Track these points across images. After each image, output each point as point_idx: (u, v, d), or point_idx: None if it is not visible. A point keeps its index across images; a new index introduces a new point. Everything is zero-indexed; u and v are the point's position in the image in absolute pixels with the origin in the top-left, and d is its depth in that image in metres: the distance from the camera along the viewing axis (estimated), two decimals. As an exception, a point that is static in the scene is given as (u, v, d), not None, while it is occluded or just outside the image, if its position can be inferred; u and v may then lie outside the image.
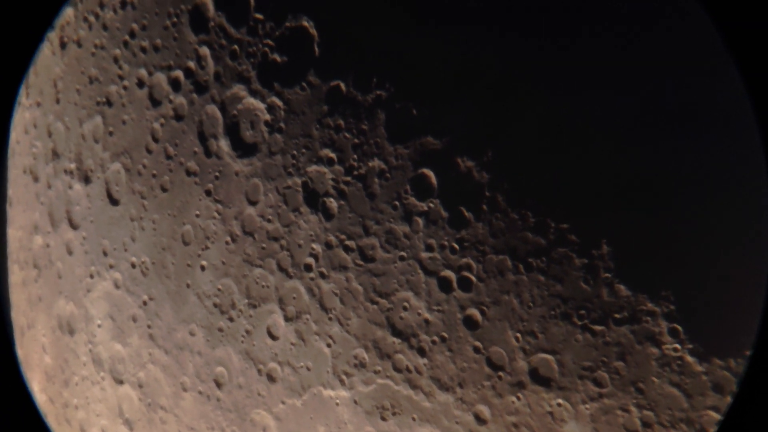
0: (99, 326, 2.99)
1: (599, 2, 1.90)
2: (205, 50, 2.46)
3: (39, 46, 3.01)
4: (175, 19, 2.52)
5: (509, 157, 2.01)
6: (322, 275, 2.31)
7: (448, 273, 2.11)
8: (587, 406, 2.01)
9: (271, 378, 2.48)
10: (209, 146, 2.50)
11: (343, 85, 2.19)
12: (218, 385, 2.62)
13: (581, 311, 1.98)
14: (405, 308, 2.18)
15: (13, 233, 3.46)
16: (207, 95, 2.48)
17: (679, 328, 1.91)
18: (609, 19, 1.90)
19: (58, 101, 3.00)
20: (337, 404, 2.35)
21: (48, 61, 3.03)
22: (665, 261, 1.91)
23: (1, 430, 2.85)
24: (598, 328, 1.97)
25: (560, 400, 2.04)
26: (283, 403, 2.47)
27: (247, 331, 2.50)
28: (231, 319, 2.54)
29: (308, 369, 2.39)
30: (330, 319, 2.31)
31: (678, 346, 1.91)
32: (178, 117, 2.56)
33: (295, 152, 2.30)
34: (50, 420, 3.30)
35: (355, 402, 2.31)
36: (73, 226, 3.02)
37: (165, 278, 2.70)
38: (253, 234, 2.43)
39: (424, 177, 2.12)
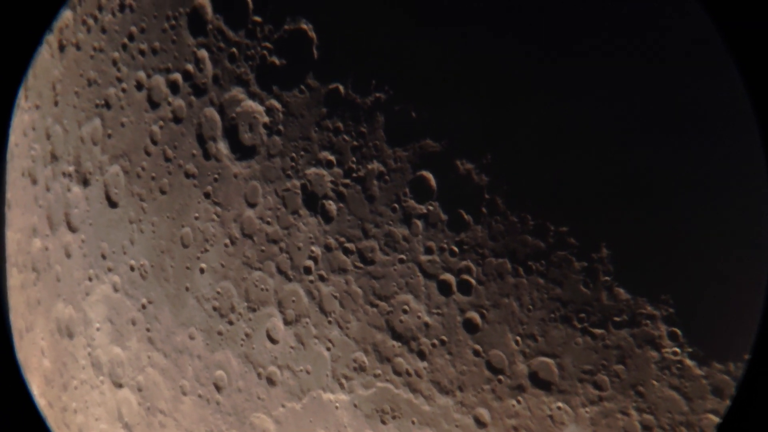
0: (98, 329, 2.99)
1: (599, 3, 1.90)
2: (203, 53, 2.45)
3: (37, 49, 3.01)
4: (173, 22, 2.52)
5: (508, 159, 2.01)
6: (322, 278, 2.31)
7: (448, 276, 2.11)
8: (587, 409, 2.00)
9: (270, 381, 2.47)
10: (208, 149, 2.50)
11: (342, 88, 2.19)
12: (218, 388, 2.62)
13: (581, 314, 1.98)
14: (405, 311, 2.18)
15: (11, 236, 3.45)
16: (206, 98, 2.48)
17: (679, 331, 1.91)
18: (609, 19, 1.89)
19: (56, 104, 3.00)
20: (337, 408, 2.34)
21: (47, 64, 3.03)
22: (664, 264, 1.91)
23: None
24: (597, 331, 1.97)
25: (560, 404, 2.04)
26: (282, 406, 2.46)
27: (247, 335, 2.50)
28: (230, 323, 2.53)
29: (308, 372, 2.38)
30: (329, 322, 2.31)
31: (678, 349, 1.91)
32: (177, 119, 2.56)
33: (294, 155, 2.30)
34: (49, 424, 3.30)
35: (355, 405, 2.31)
36: (72, 229, 3.01)
37: (164, 281, 2.70)
38: (252, 236, 2.43)
39: (423, 179, 2.11)
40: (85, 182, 2.92)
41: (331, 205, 2.26)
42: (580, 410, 2.01)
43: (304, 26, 2.23)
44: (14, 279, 3.47)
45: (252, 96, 2.36)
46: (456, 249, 2.09)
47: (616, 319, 1.95)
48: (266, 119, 2.34)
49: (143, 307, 2.79)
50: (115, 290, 2.87)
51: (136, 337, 2.83)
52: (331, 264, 2.29)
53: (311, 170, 2.27)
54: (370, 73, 2.14)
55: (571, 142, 1.95)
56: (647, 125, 1.89)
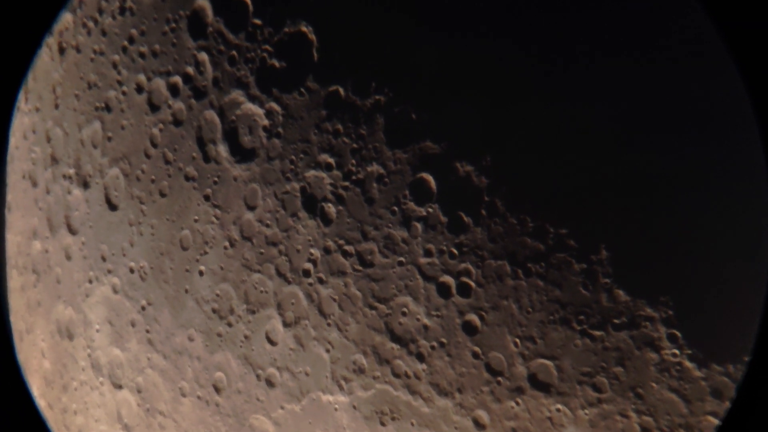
0: (98, 331, 2.99)
1: (598, 3, 1.90)
2: (203, 56, 2.46)
3: (37, 51, 3.01)
4: (173, 25, 2.52)
5: (508, 161, 2.01)
6: (321, 280, 2.31)
7: (447, 278, 2.11)
8: (586, 411, 2.00)
9: (269, 383, 2.47)
10: (208, 151, 2.50)
11: (341, 90, 2.19)
12: (217, 390, 2.62)
13: (580, 316, 1.98)
14: (404, 313, 2.18)
15: (11, 238, 3.45)
16: (205, 100, 2.48)
17: (678, 333, 1.91)
18: (608, 20, 1.90)
19: (57, 107, 3.00)
20: (336, 409, 2.34)
21: (47, 67, 3.04)
22: (664, 266, 1.91)
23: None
24: (597, 333, 1.97)
25: (559, 406, 2.04)
26: (282, 408, 2.46)
27: (246, 337, 2.50)
28: (230, 324, 2.54)
29: (307, 374, 2.38)
30: (329, 324, 2.31)
31: (677, 351, 1.91)
32: (177, 122, 2.56)
33: (293, 157, 2.30)
34: (50, 426, 3.30)
35: (354, 407, 2.31)
36: (72, 232, 3.02)
37: (163, 283, 2.70)
38: (252, 239, 2.43)
39: (422, 182, 2.11)
40: (85, 185, 2.92)
41: (331, 208, 2.26)
42: (579, 412, 2.01)
43: (304, 29, 2.24)
44: (14, 281, 3.47)
45: (252, 98, 2.37)
46: (455, 251, 2.09)
47: (616, 321, 1.95)
48: (266, 122, 2.35)
49: (143, 308, 2.79)
50: (115, 292, 2.88)
51: (136, 339, 2.83)
52: (330, 266, 2.29)
53: (311, 173, 2.28)
54: (370, 75, 2.14)
55: (570, 143, 1.95)
56: (647, 126, 1.89)
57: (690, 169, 1.87)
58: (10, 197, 3.42)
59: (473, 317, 2.09)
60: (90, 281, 2.97)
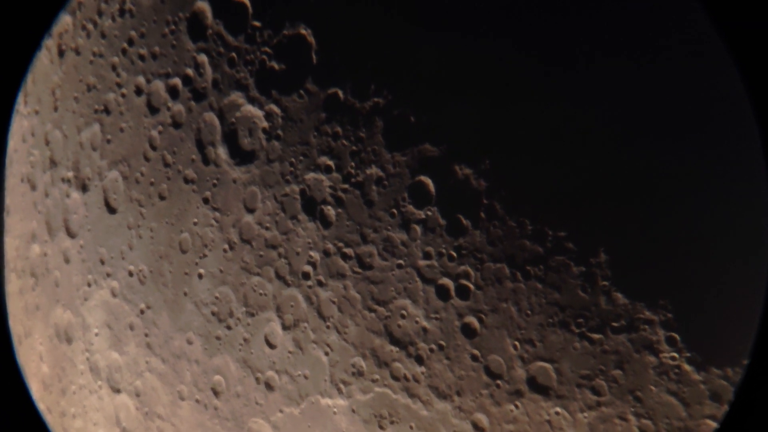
0: (96, 335, 2.98)
1: (598, 4, 1.90)
2: (203, 58, 2.46)
3: (36, 54, 3.01)
4: (173, 27, 2.52)
5: (507, 164, 2.01)
6: (320, 283, 2.31)
7: (446, 281, 2.11)
8: (585, 414, 2.00)
9: (268, 386, 2.47)
10: (207, 154, 2.50)
11: (340, 93, 2.19)
12: (216, 393, 2.61)
13: (579, 319, 1.98)
14: (403, 316, 2.18)
15: (10, 242, 3.45)
16: (205, 103, 2.48)
17: (677, 336, 1.91)
18: (608, 20, 1.90)
19: (56, 109, 3.00)
20: (335, 413, 2.34)
21: (46, 69, 3.04)
22: (663, 269, 1.90)
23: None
24: (596, 336, 1.97)
25: (558, 409, 2.03)
26: (281, 411, 2.46)
27: (245, 340, 2.50)
28: (229, 328, 2.53)
29: (306, 377, 2.38)
30: (328, 327, 2.31)
31: (675, 354, 1.91)
32: (176, 124, 2.56)
33: (293, 160, 2.30)
34: (50, 430, 3.29)
35: (353, 410, 2.30)
36: (71, 235, 3.01)
37: (162, 286, 2.69)
38: (251, 242, 2.43)
39: (421, 184, 2.11)
40: (84, 188, 2.92)
41: (330, 210, 2.26)
42: (578, 415, 2.01)
43: (303, 31, 2.24)
44: (13, 284, 3.47)
45: (251, 101, 2.37)
46: (454, 254, 2.09)
47: (614, 324, 1.95)
48: (265, 124, 2.35)
49: (141, 312, 2.78)
50: (114, 295, 2.87)
51: (135, 342, 2.83)
52: (329, 269, 2.28)
53: (310, 175, 2.28)
54: (369, 77, 2.14)
55: (569, 146, 1.95)
56: (646, 128, 1.89)
57: (689, 171, 1.87)
58: (8, 200, 3.42)
59: (472, 320, 2.09)
60: (89, 284, 2.97)
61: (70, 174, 2.97)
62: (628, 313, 1.94)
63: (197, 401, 2.66)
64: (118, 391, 2.94)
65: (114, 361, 2.93)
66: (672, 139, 1.88)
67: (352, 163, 2.20)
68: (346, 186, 2.22)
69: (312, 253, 2.31)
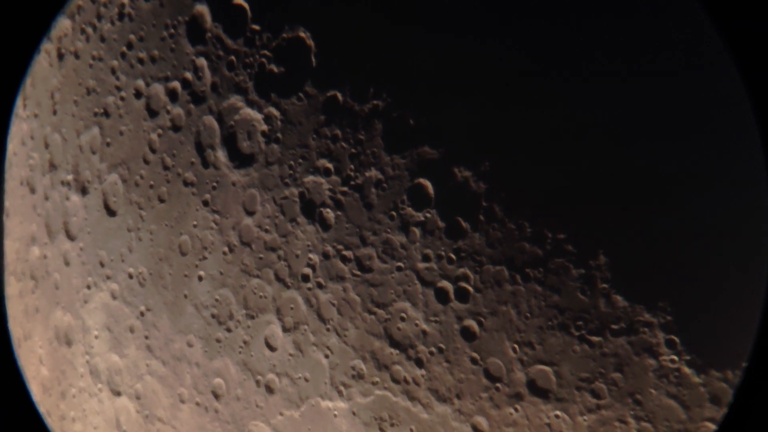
0: (96, 337, 2.98)
1: (597, 4, 1.90)
2: (202, 61, 2.46)
3: (34, 57, 3.01)
4: (172, 30, 2.52)
5: (506, 166, 2.01)
6: (320, 285, 2.31)
7: (446, 283, 2.11)
8: (585, 417, 2.00)
9: (269, 389, 2.47)
10: (206, 157, 2.50)
11: (339, 95, 2.19)
12: (216, 396, 2.61)
13: (578, 322, 1.98)
14: (402, 319, 2.18)
15: (10, 244, 3.45)
16: (204, 106, 2.48)
17: (677, 339, 1.91)
18: (607, 21, 1.90)
19: (55, 113, 3.00)
20: (335, 416, 2.34)
21: (45, 73, 3.04)
22: (662, 271, 1.90)
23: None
24: (595, 339, 1.97)
25: (558, 412, 2.03)
26: (281, 414, 2.46)
27: (245, 342, 2.50)
28: (229, 330, 2.53)
29: (306, 380, 2.38)
30: (328, 329, 2.31)
31: (675, 357, 1.91)
32: (176, 128, 2.56)
33: (292, 162, 2.30)
34: None
35: (353, 413, 2.30)
36: (70, 237, 3.01)
37: (162, 289, 2.69)
38: (251, 244, 2.43)
39: (421, 187, 2.11)
40: (84, 191, 2.92)
41: (329, 213, 2.26)
42: (577, 418, 2.01)
43: (302, 34, 2.24)
44: (12, 287, 3.47)
45: (250, 104, 2.37)
46: (454, 256, 2.09)
47: (614, 326, 1.95)
48: (264, 127, 2.35)
49: (141, 314, 2.78)
50: (114, 298, 2.87)
51: (135, 345, 2.83)
52: (329, 271, 2.28)
53: (309, 178, 2.28)
54: (368, 80, 2.14)
55: (568, 148, 1.95)
56: (646, 129, 1.89)
57: (689, 173, 1.87)
58: (8, 203, 3.42)
59: (472, 323, 2.09)
60: (88, 287, 2.97)
61: (70, 177, 2.97)
62: (628, 316, 1.94)
63: (198, 404, 2.66)
64: (118, 394, 2.94)
65: (114, 364, 2.93)
66: (672, 140, 1.88)
67: (352, 166, 2.20)
68: (345, 188, 2.22)
69: (311, 256, 2.31)
